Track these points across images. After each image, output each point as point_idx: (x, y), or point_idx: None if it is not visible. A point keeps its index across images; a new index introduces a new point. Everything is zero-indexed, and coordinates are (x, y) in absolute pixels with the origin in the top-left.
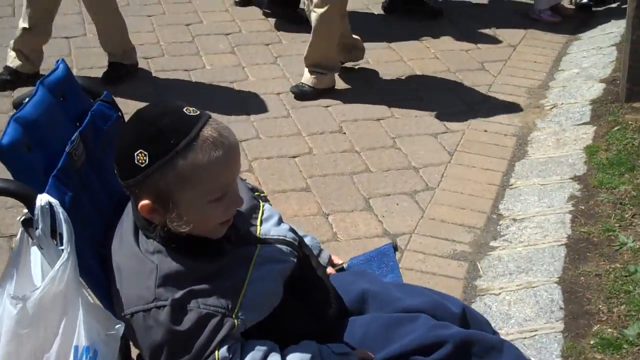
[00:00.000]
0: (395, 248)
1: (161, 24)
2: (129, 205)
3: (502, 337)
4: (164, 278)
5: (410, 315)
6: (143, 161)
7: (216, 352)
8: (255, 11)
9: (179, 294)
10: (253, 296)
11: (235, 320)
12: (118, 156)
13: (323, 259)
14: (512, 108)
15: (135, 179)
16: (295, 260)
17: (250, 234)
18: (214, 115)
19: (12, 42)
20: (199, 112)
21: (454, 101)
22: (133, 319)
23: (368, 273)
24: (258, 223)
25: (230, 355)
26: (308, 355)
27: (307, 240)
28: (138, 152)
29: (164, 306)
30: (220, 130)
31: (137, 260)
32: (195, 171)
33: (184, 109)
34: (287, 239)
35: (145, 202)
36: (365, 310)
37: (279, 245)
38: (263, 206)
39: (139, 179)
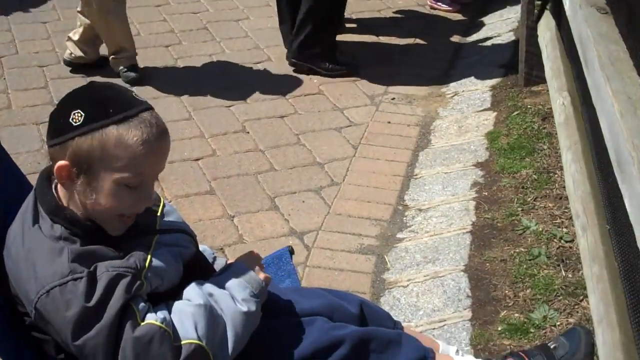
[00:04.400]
0: (292, 252)
1: None
2: (26, 202)
3: (412, 329)
4: (76, 254)
5: (307, 319)
6: (77, 120)
7: (133, 305)
8: None
9: (92, 266)
10: (157, 265)
11: (144, 281)
12: (54, 113)
13: (219, 266)
14: (414, 98)
15: (64, 137)
16: (194, 249)
17: (149, 227)
18: None
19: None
20: (144, 100)
21: (357, 94)
22: (49, 297)
23: None
24: (158, 216)
25: (148, 308)
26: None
27: (200, 249)
28: (76, 111)
29: (81, 278)
30: (158, 122)
31: (44, 243)
32: (119, 144)
33: (133, 92)
34: (186, 230)
35: (64, 162)
36: (262, 317)
37: (177, 234)
38: (164, 201)
39: (67, 137)
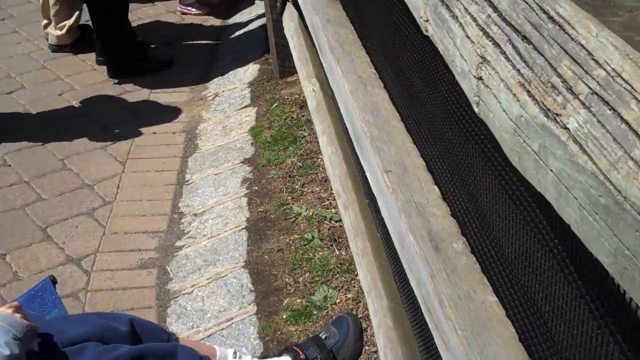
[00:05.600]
0: (54, 281)
1: None
2: None
3: (200, 333)
4: None
5: (77, 347)
6: None
7: None
8: None
9: None
10: None
11: None
12: None
13: None
14: (176, 105)
15: None
16: None
17: None
18: None
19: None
20: None
21: (119, 108)
22: None
23: (29, 316)
24: None
25: None
26: None
27: None
28: None
29: None
30: None
31: None
32: None
33: None
34: None
35: None
36: (32, 355)
37: None
38: None
39: None
